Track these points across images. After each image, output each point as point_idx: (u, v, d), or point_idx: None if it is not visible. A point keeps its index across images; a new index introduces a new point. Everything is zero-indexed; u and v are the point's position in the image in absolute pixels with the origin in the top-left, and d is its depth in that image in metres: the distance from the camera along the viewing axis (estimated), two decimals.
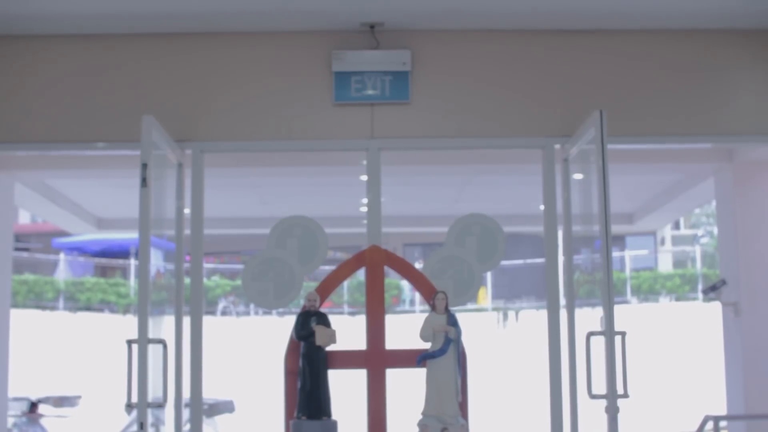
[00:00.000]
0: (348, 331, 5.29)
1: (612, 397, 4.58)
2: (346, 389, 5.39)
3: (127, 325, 19.35)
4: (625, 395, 4.60)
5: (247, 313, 25.27)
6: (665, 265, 29.82)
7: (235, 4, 5.20)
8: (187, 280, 5.49)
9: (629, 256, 27.69)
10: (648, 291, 26.21)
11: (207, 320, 5.63)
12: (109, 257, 27.35)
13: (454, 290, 5.02)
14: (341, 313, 23.87)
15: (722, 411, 7.09)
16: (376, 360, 4.92)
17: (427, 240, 24.48)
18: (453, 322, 4.81)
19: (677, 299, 25.85)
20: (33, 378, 14.04)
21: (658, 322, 21.16)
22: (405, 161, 6.77)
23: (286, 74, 5.55)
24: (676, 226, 32.02)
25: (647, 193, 9.55)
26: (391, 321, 5.06)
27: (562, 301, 5.49)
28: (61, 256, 26.62)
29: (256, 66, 5.57)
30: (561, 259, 5.61)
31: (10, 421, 9.96)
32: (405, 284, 24.91)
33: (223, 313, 25.31)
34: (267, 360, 8.13)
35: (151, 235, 4.68)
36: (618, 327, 4.65)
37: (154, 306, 4.99)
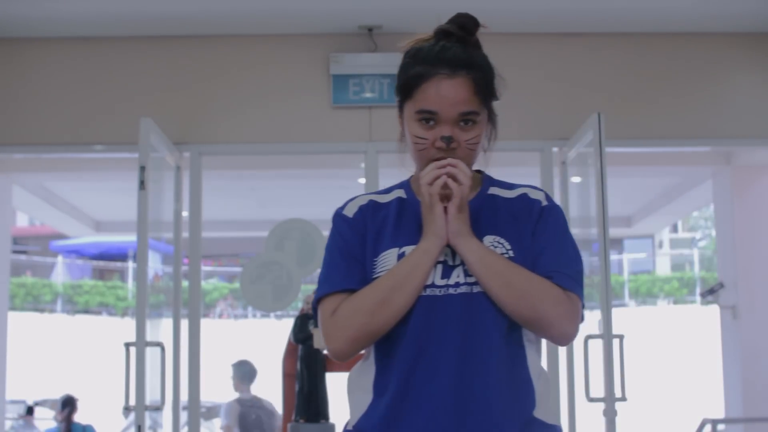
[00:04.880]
0: None
1: (610, 401, 4.58)
2: (343, 392, 5.38)
3: (125, 327, 19.29)
4: (623, 398, 4.60)
5: (245, 316, 25.23)
6: (663, 268, 29.78)
7: (234, 7, 5.19)
8: (185, 283, 5.48)
9: (627, 259, 27.65)
10: (646, 294, 26.17)
11: (205, 323, 5.62)
12: (107, 260, 27.29)
13: None
14: None
15: (720, 414, 7.08)
16: None
17: None
18: None
19: (675, 302, 25.82)
20: (30, 381, 14.02)
21: (656, 325, 21.14)
22: (403, 164, 6.77)
23: (284, 77, 5.54)
24: (674, 229, 31.99)
25: (645, 196, 9.54)
26: None
27: None
28: (59, 258, 26.58)
29: (254, 69, 5.56)
30: None
31: (8, 424, 9.96)
32: None
33: (221, 315, 25.29)
34: (265, 363, 8.12)
35: (149, 238, 4.67)
36: (616, 330, 4.64)
37: (152, 309, 4.98)
